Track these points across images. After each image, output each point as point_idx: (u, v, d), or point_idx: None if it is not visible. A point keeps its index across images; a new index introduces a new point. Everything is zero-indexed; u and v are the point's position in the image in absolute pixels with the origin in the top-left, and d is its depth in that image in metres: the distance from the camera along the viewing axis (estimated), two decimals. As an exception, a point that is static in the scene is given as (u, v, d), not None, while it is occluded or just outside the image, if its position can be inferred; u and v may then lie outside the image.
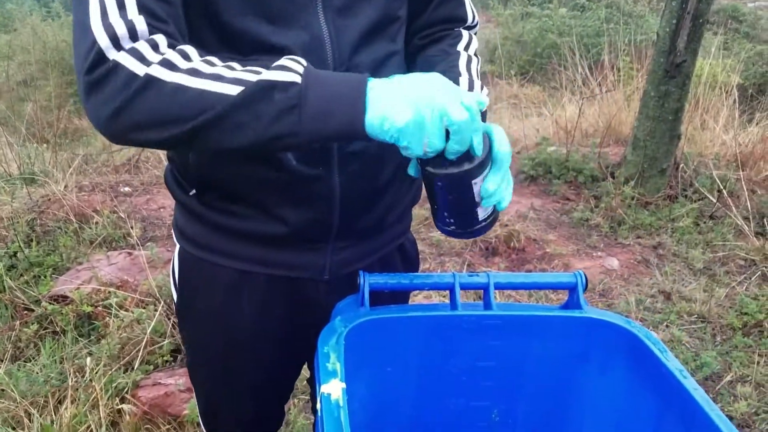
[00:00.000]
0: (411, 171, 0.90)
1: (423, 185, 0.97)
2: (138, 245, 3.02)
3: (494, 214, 0.92)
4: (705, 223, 3.67)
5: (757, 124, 4.87)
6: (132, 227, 3.22)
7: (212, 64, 0.78)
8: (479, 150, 0.81)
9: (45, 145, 5.05)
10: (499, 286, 1.07)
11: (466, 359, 1.07)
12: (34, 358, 2.37)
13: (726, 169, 4.06)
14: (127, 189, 3.77)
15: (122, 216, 3.32)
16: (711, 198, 3.78)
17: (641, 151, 3.81)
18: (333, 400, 0.84)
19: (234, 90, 0.76)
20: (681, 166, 3.97)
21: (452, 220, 0.90)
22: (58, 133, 5.40)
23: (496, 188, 0.85)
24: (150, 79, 0.75)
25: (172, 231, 1.13)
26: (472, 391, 1.10)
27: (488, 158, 0.84)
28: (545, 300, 2.87)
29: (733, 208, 3.67)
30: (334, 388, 0.86)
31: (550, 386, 1.12)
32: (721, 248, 3.44)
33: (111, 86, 0.76)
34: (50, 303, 2.55)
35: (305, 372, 1.31)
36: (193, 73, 0.77)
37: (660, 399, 0.99)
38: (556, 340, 1.08)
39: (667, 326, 2.78)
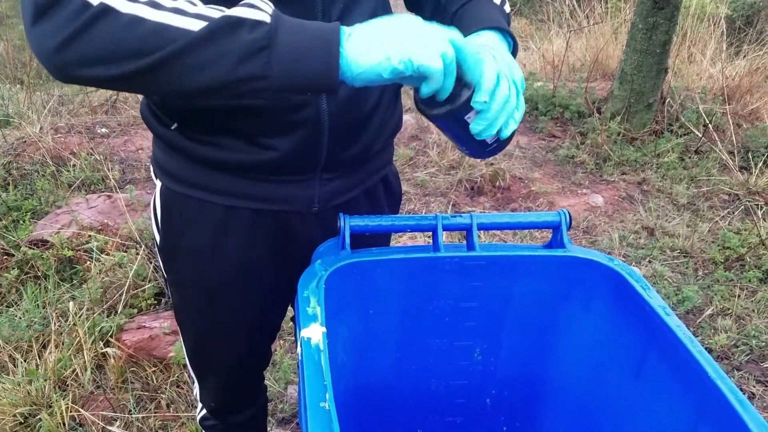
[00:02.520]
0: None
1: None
2: (116, 188, 2.97)
3: (501, 140, 0.90)
4: (690, 158, 3.66)
5: (744, 56, 4.81)
6: (110, 170, 3.16)
7: None
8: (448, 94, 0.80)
9: (19, 85, 4.90)
10: (483, 227, 1.05)
11: (449, 300, 1.06)
12: (16, 303, 2.35)
13: (712, 102, 4.02)
14: (104, 130, 3.68)
15: (100, 158, 3.26)
16: (697, 132, 3.76)
17: (628, 86, 3.76)
18: (313, 345, 0.83)
19: (197, 25, 0.70)
20: (668, 100, 3.93)
21: (464, 147, 0.91)
22: (32, 73, 5.24)
23: (482, 128, 0.82)
24: (104, 9, 0.69)
25: (151, 168, 1.09)
26: (455, 332, 1.09)
27: (470, 94, 0.82)
28: (530, 238, 2.88)
29: (719, 142, 3.66)
30: (314, 333, 0.85)
31: (533, 324, 1.11)
32: (706, 183, 3.44)
33: (61, 14, 0.69)
34: (30, 248, 2.52)
35: (291, 311, 1.30)
36: (152, 5, 0.71)
37: (643, 336, 0.98)
38: (539, 279, 1.07)
39: (649, 262, 2.80)
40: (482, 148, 0.90)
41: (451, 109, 0.81)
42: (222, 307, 1.12)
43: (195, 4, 0.73)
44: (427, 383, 1.14)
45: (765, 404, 2.10)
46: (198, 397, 1.32)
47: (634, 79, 3.73)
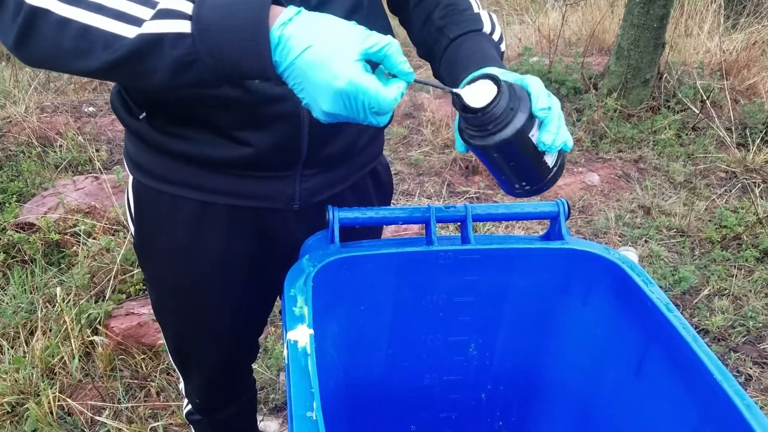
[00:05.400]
0: (459, 149, 0.85)
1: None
2: (101, 170, 2.91)
3: (561, 155, 0.86)
4: (687, 134, 3.62)
5: (742, 30, 4.74)
6: (97, 150, 3.09)
7: None
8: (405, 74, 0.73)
9: (5, 62, 4.80)
10: (478, 218, 1.01)
11: (443, 295, 1.02)
12: (2, 288, 2.31)
13: (710, 78, 3.96)
14: (91, 109, 3.60)
15: (86, 138, 3.19)
16: (694, 109, 3.71)
17: (625, 61, 3.69)
18: (300, 348, 0.79)
19: (117, 27, 0.69)
20: (664, 76, 3.87)
21: (524, 183, 0.84)
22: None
23: (553, 137, 0.80)
24: (34, 11, 0.70)
25: (124, 161, 1.04)
26: (449, 327, 1.06)
27: (529, 107, 0.79)
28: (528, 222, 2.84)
29: (716, 118, 3.62)
30: (301, 335, 0.81)
31: (530, 319, 1.08)
32: (703, 160, 3.40)
33: (5, 14, 0.71)
34: (16, 231, 2.47)
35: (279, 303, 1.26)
36: (73, 1, 0.70)
37: (644, 332, 0.95)
38: (537, 272, 1.03)
39: (646, 241, 2.77)
40: (543, 175, 0.84)
41: (518, 127, 0.77)
42: (202, 308, 1.08)
43: None
44: (421, 379, 1.10)
45: (762, 386, 2.09)
46: (183, 393, 1.28)
47: (631, 55, 3.66)
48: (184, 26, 0.68)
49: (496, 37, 0.98)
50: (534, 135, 0.79)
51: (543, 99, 0.79)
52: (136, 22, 0.69)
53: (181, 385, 1.27)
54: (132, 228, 1.06)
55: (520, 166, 0.81)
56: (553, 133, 0.79)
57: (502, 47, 0.99)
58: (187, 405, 1.30)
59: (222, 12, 0.68)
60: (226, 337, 1.14)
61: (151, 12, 0.69)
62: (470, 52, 0.92)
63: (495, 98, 0.76)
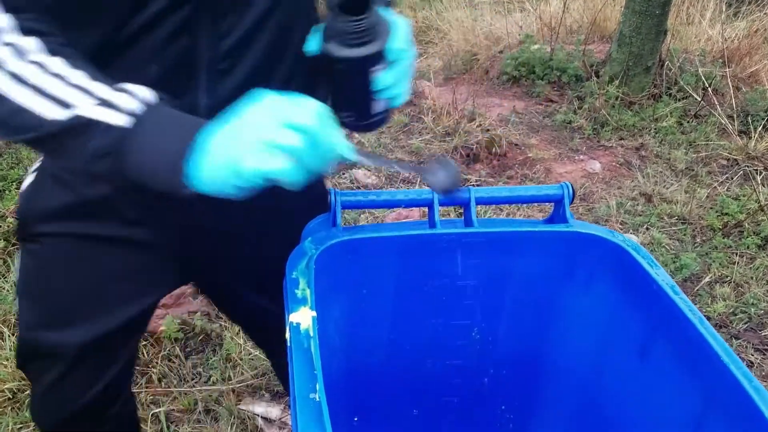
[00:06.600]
0: (311, 47, 0.81)
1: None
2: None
3: (388, 111, 0.88)
4: (689, 122, 3.60)
5: (743, 18, 4.71)
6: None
7: (43, 69, 0.70)
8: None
9: (2, 50, 4.78)
10: (481, 201, 1.01)
11: (446, 279, 1.01)
12: (3, 275, 2.30)
13: (711, 65, 3.94)
14: (90, 97, 3.59)
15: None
16: (695, 96, 3.70)
17: (626, 48, 3.68)
18: (302, 330, 0.79)
19: (54, 112, 0.69)
20: (666, 63, 3.85)
21: (348, 114, 0.86)
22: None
23: (392, 82, 0.79)
24: None
25: None
26: (452, 311, 1.05)
27: (386, 42, 0.80)
28: (528, 207, 2.83)
29: (718, 106, 3.60)
30: (303, 317, 0.80)
31: (534, 302, 1.07)
32: (704, 148, 3.39)
33: None
34: (17, 218, 2.45)
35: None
36: (17, 79, 0.69)
37: (649, 315, 0.94)
38: (540, 256, 1.03)
39: (647, 229, 2.76)
40: (366, 115, 0.86)
41: (368, 54, 0.78)
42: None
43: (65, 79, 0.70)
44: (423, 363, 1.10)
45: (764, 373, 2.09)
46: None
47: (633, 42, 3.65)
48: (120, 120, 0.68)
49: None
50: (377, 70, 0.80)
51: (402, 41, 0.78)
52: (73, 108, 0.69)
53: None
54: None
55: (353, 93, 0.83)
56: (393, 77, 0.79)
57: None
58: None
59: (166, 123, 0.70)
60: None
61: (92, 101, 0.69)
62: None
63: (366, 14, 0.77)
